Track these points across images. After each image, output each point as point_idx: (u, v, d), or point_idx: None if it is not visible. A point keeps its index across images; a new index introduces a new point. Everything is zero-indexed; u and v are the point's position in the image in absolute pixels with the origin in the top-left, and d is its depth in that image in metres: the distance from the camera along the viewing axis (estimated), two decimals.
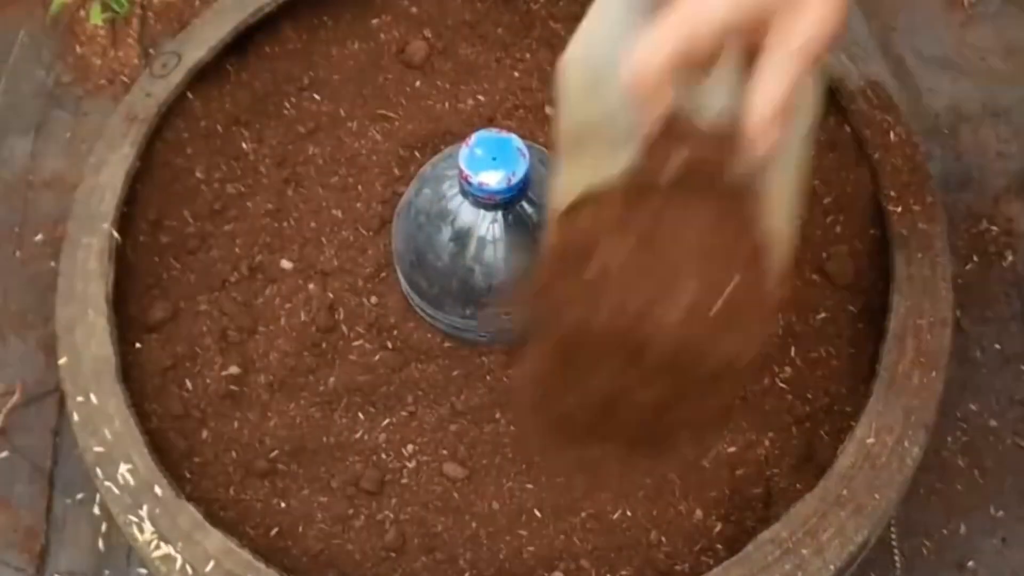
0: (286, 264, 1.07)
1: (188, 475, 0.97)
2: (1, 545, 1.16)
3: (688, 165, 0.57)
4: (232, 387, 1.01)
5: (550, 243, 0.63)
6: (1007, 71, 1.46)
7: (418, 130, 1.13)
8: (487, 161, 0.91)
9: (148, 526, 0.94)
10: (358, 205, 1.09)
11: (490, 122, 1.12)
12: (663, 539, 0.94)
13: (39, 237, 1.35)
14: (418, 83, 1.17)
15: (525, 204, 0.95)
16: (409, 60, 1.17)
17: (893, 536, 1.15)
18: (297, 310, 1.04)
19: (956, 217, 1.34)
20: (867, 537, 0.94)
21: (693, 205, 0.57)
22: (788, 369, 1.01)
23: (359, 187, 1.10)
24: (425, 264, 0.99)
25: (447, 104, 1.15)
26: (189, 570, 0.92)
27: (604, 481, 0.92)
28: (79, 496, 1.18)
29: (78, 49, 1.48)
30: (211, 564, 0.92)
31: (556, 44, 1.17)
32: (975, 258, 1.31)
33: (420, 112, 1.15)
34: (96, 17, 1.45)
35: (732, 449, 0.98)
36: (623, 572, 0.93)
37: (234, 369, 1.02)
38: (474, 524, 0.95)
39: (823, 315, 1.03)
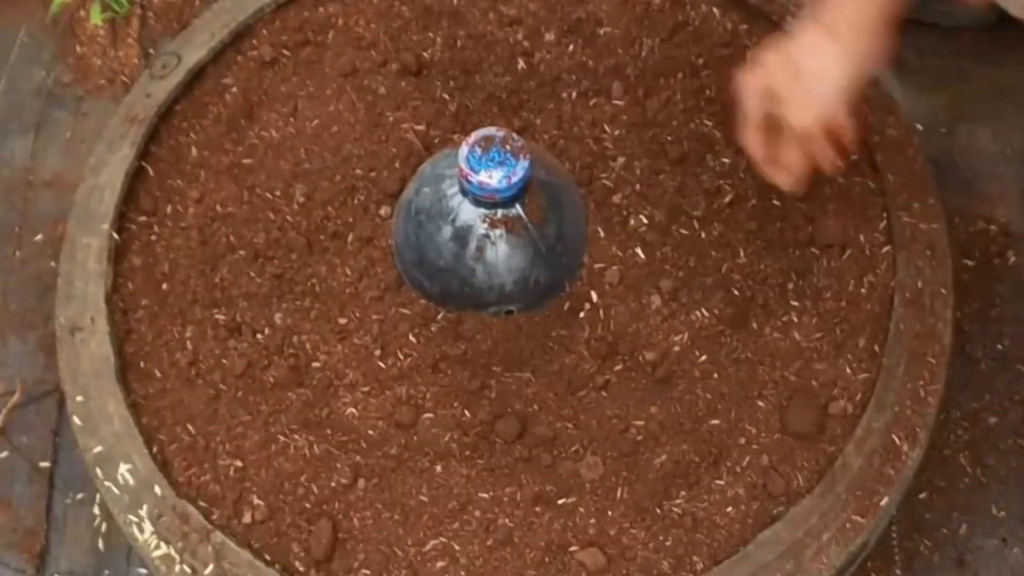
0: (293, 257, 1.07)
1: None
2: (1, 545, 1.16)
3: None
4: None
5: None
6: (1006, 70, 1.46)
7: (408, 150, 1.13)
8: (487, 160, 0.91)
9: (148, 526, 0.94)
10: (358, 199, 1.09)
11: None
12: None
13: (39, 237, 1.35)
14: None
15: (525, 203, 0.95)
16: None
17: (894, 535, 1.15)
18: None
19: (956, 217, 1.34)
20: (867, 538, 0.94)
21: None
22: (790, 367, 1.01)
23: (358, 184, 1.11)
24: (426, 263, 0.99)
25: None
26: (189, 570, 0.92)
27: None
28: (79, 496, 1.18)
29: (78, 49, 1.49)
30: (211, 564, 0.92)
31: None
32: (977, 255, 1.31)
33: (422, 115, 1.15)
34: (96, 17, 1.45)
35: (736, 452, 0.98)
36: None
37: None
38: None
39: (824, 314, 1.03)
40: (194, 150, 1.14)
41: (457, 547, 0.94)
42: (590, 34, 1.19)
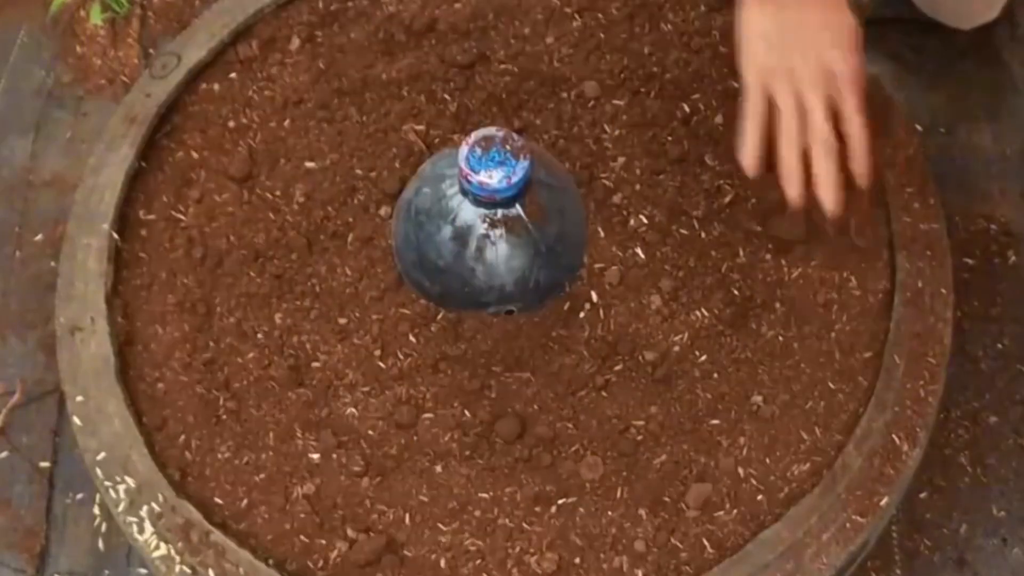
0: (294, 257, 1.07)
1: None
2: (1, 545, 1.16)
3: None
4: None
5: None
6: (1006, 69, 1.46)
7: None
8: (487, 160, 0.91)
9: (148, 526, 0.94)
10: (358, 199, 1.09)
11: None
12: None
13: (39, 237, 1.35)
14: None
15: (525, 203, 0.95)
16: None
17: (894, 534, 1.15)
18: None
19: (956, 216, 1.34)
20: (867, 538, 0.94)
21: None
22: (791, 368, 1.01)
23: (358, 184, 1.11)
24: (426, 263, 0.99)
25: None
26: (188, 570, 0.92)
27: None
28: (79, 496, 1.18)
29: (78, 49, 1.49)
30: (211, 564, 0.92)
31: None
32: (977, 254, 1.31)
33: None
34: (96, 17, 1.45)
35: (737, 452, 0.98)
36: None
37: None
38: None
39: (825, 313, 1.03)
40: (194, 150, 1.14)
41: None
42: (588, 32, 1.19)
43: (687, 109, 1.14)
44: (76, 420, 0.99)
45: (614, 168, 1.10)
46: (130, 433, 0.98)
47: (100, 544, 1.16)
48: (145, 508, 0.94)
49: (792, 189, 0.94)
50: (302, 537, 0.95)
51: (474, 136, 0.92)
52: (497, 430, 0.98)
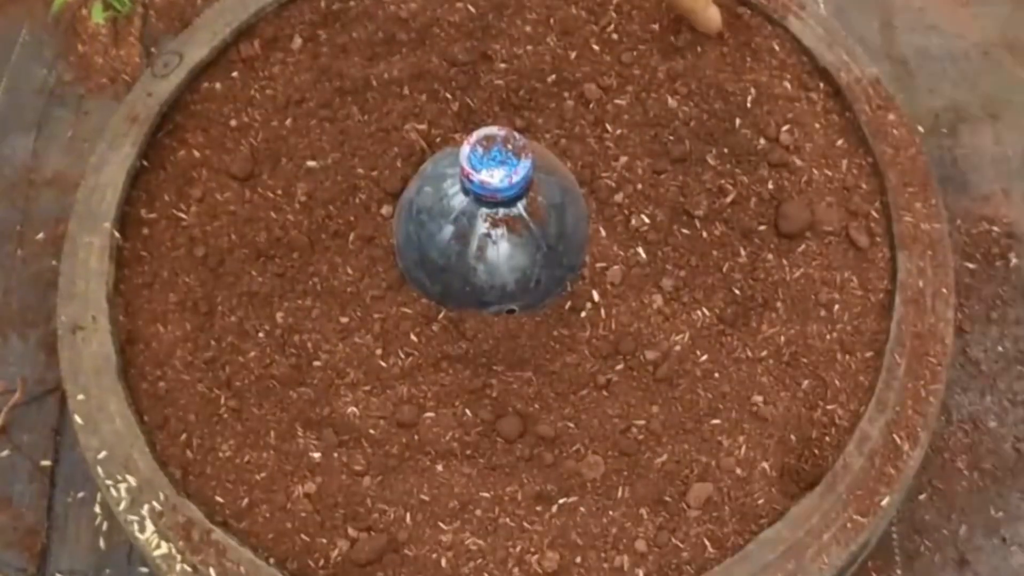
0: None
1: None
2: (2, 544, 1.16)
3: None
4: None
5: None
6: (1008, 71, 1.46)
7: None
8: (488, 159, 0.91)
9: (149, 525, 0.94)
10: (360, 198, 1.09)
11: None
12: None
13: (40, 235, 1.35)
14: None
15: (527, 202, 0.95)
16: None
17: (894, 535, 1.15)
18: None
19: (958, 219, 1.34)
20: (868, 538, 0.94)
21: None
22: (790, 366, 1.01)
23: (360, 183, 1.11)
24: (427, 262, 0.99)
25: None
26: (189, 569, 0.92)
27: None
28: (80, 495, 1.19)
29: (80, 48, 1.49)
30: (211, 563, 0.92)
31: None
32: (979, 257, 1.32)
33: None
34: (98, 15, 1.45)
35: (737, 452, 0.98)
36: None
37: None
38: None
39: (827, 312, 1.04)
40: (196, 149, 1.15)
41: None
42: (590, 30, 1.19)
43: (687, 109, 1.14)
44: (77, 419, 0.99)
45: (616, 167, 1.10)
46: (131, 432, 0.98)
47: (101, 543, 1.16)
48: (146, 507, 0.94)
49: None
50: (303, 536, 0.95)
51: (476, 135, 0.92)
52: (498, 429, 0.98)
